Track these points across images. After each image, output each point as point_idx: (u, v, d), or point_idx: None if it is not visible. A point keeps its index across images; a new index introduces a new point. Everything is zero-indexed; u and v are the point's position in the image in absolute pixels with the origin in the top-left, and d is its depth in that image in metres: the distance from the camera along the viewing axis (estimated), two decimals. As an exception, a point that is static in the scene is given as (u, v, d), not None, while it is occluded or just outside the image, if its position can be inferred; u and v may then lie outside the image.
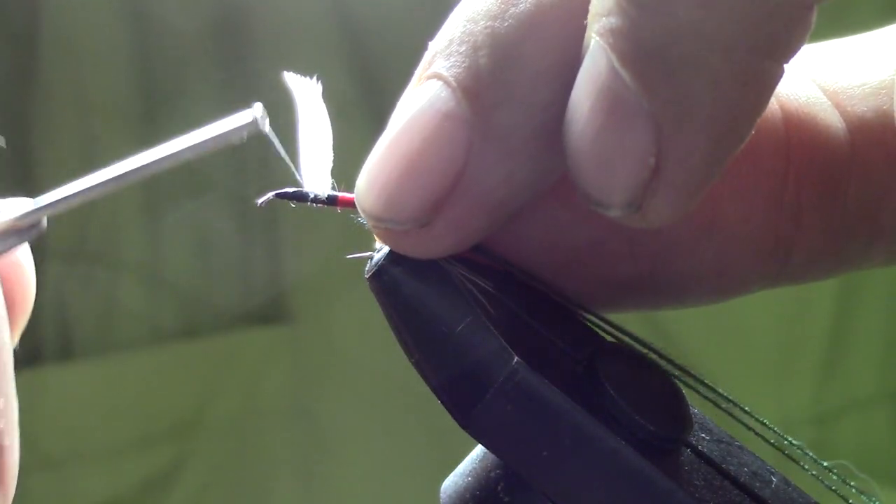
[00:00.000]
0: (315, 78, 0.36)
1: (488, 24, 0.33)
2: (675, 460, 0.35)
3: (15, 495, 0.37)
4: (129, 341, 1.02)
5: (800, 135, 0.38)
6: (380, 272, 0.35)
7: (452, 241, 0.34)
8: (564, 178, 0.34)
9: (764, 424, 0.37)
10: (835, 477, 0.38)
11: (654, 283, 0.38)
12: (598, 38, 0.31)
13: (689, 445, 0.35)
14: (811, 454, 0.37)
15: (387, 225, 0.34)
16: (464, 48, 0.33)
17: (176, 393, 1.03)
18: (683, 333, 1.11)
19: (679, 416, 0.35)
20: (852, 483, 0.38)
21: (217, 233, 1.02)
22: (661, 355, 0.36)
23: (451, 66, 0.33)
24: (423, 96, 0.34)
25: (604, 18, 0.31)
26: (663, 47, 0.30)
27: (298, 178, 0.36)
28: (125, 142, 0.95)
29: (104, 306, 1.01)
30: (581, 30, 0.32)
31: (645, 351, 0.36)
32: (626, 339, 0.36)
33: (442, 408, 0.34)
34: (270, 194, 0.37)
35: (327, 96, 0.36)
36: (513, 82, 0.33)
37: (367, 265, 0.35)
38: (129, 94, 0.99)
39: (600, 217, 0.33)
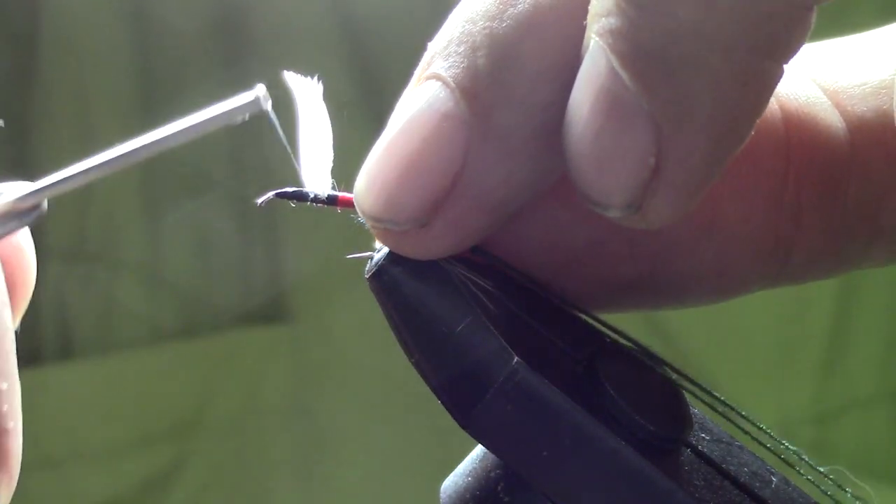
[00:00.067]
0: (316, 78, 0.36)
1: (487, 24, 0.33)
2: (675, 460, 0.35)
3: (14, 495, 0.37)
4: (128, 341, 1.02)
5: (800, 135, 0.38)
6: (380, 272, 0.35)
7: (452, 242, 0.34)
8: (564, 178, 0.34)
9: (761, 429, 0.37)
10: (831, 483, 0.37)
11: (654, 283, 0.38)
12: (597, 39, 0.31)
13: (689, 445, 0.35)
14: (807, 459, 0.37)
15: (386, 225, 0.34)
16: (462, 49, 0.33)
17: (176, 393, 1.03)
18: (683, 333, 1.11)
19: (679, 416, 0.35)
20: (848, 489, 0.38)
21: (217, 233, 1.02)
22: (659, 360, 0.36)
23: (450, 67, 0.33)
24: (422, 97, 0.34)
25: (603, 19, 0.31)
26: (663, 48, 0.30)
27: (297, 164, 0.36)
28: (125, 141, 0.95)
29: (104, 306, 1.01)
30: (580, 30, 0.32)
31: (640, 355, 0.36)
32: (623, 341, 0.36)
33: (442, 408, 0.34)
34: (270, 194, 0.37)
35: (327, 96, 0.36)
36: (511, 83, 0.33)
37: (367, 265, 0.35)
38: (128, 93, 0.99)
39: (600, 217, 0.33)
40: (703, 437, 0.36)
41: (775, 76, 0.31)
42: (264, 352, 1.05)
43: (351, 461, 1.08)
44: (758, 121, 0.32)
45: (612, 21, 0.31)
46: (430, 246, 0.34)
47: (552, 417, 0.33)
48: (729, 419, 0.37)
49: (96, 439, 1.01)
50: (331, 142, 0.36)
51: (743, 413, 0.37)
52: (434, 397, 0.34)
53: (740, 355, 1.14)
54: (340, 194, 0.37)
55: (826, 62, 0.40)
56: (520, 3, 0.33)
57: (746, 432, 0.37)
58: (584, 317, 0.37)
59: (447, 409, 0.34)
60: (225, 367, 1.04)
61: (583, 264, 0.37)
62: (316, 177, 0.37)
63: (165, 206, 1.01)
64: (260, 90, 0.34)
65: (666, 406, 0.35)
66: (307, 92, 0.36)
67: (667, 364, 0.36)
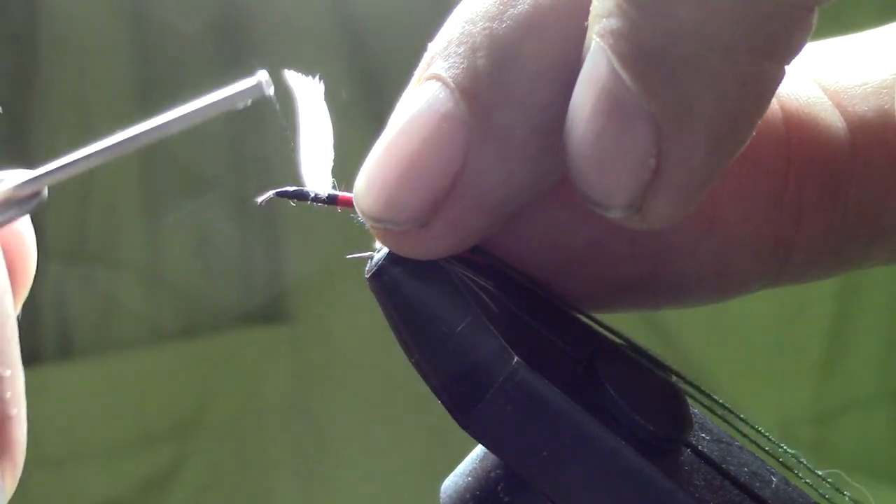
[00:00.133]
0: (318, 77, 0.36)
1: (487, 25, 0.33)
2: (675, 460, 0.35)
3: (14, 494, 0.37)
4: (128, 341, 1.02)
5: (800, 135, 0.38)
6: (380, 272, 0.35)
7: (451, 242, 0.34)
8: (564, 178, 0.34)
9: (759, 432, 0.37)
10: (829, 486, 0.37)
11: (654, 283, 0.38)
12: (598, 40, 0.31)
13: (689, 445, 0.35)
14: (805, 462, 0.37)
15: (385, 225, 0.34)
16: (462, 49, 0.33)
17: (176, 392, 1.03)
18: (683, 333, 1.11)
19: (679, 416, 0.35)
20: (846, 492, 0.38)
21: (217, 232, 1.02)
22: (659, 364, 0.36)
23: (450, 67, 0.33)
24: (422, 97, 0.34)
25: (604, 20, 0.31)
26: (663, 48, 0.30)
27: (298, 156, 0.36)
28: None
29: (104, 306, 1.01)
30: (579, 30, 0.32)
31: (640, 359, 0.36)
32: (621, 343, 0.36)
33: (442, 408, 0.34)
34: (270, 193, 0.37)
35: (327, 96, 0.36)
36: (511, 83, 0.33)
37: (367, 265, 0.35)
38: (128, 93, 0.99)
39: (600, 218, 0.33)
40: (703, 437, 0.36)
41: (776, 77, 0.31)
42: (264, 352, 1.05)
43: (351, 461, 1.08)
44: (759, 121, 0.32)
45: (613, 22, 0.31)
46: (430, 246, 0.34)
47: (552, 417, 0.33)
48: (727, 422, 0.37)
49: (96, 439, 1.01)
50: (331, 141, 0.36)
51: (741, 416, 0.37)
52: (434, 397, 0.34)
53: (740, 355, 1.14)
54: (341, 194, 0.37)
55: (827, 62, 0.40)
56: (519, 4, 0.33)
57: (745, 435, 0.37)
58: (583, 318, 0.37)
59: (447, 409, 0.34)
60: (225, 367, 1.04)
61: (583, 264, 0.37)
62: (316, 176, 0.37)
63: (165, 206, 1.01)
64: (262, 75, 0.34)
65: (666, 406, 0.35)
66: (307, 91, 0.36)
67: (666, 367, 0.36)
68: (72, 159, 0.35)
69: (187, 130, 0.35)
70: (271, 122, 0.98)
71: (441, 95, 0.33)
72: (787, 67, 0.31)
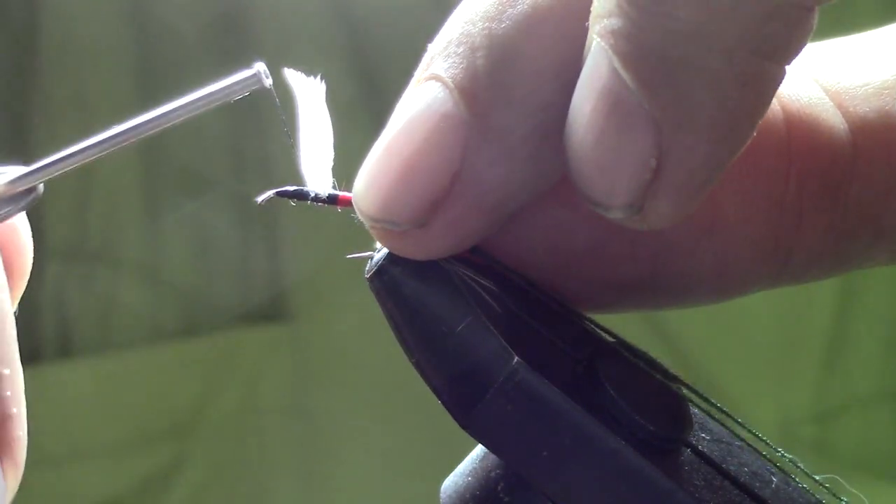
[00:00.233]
0: (319, 78, 0.36)
1: (486, 25, 0.33)
2: (675, 460, 0.35)
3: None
4: (128, 340, 1.02)
5: (801, 135, 0.38)
6: (380, 272, 0.35)
7: (451, 242, 0.34)
8: (564, 178, 0.34)
9: (757, 436, 0.37)
10: (826, 490, 0.37)
11: (654, 283, 0.38)
12: (599, 40, 0.31)
13: (689, 445, 0.35)
14: (802, 467, 0.37)
15: (384, 225, 0.34)
16: (461, 49, 0.33)
17: (176, 392, 1.03)
18: (684, 333, 1.11)
19: (679, 416, 0.35)
20: (844, 498, 0.38)
21: (217, 232, 1.02)
22: (659, 367, 0.36)
23: (449, 67, 0.33)
24: (422, 97, 0.34)
25: (605, 20, 0.31)
26: (664, 49, 0.30)
27: (297, 152, 0.36)
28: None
29: (104, 305, 1.01)
30: (579, 30, 0.32)
31: (634, 359, 0.36)
32: (619, 347, 0.36)
33: (442, 408, 0.34)
34: (271, 192, 0.37)
35: (327, 96, 0.36)
36: (510, 83, 0.33)
37: (367, 265, 0.35)
38: (128, 93, 0.99)
39: (601, 218, 0.33)
40: (703, 437, 0.36)
41: (777, 78, 0.31)
42: (264, 352, 1.05)
43: (351, 461, 1.08)
44: (759, 122, 0.32)
45: (614, 22, 0.31)
46: (429, 246, 0.34)
47: (552, 417, 0.33)
48: (725, 426, 0.37)
49: (96, 438, 1.01)
50: (331, 141, 0.36)
51: (739, 420, 0.37)
52: (434, 397, 0.34)
53: (741, 355, 1.14)
54: (341, 193, 0.37)
55: (828, 62, 0.40)
56: (519, 4, 0.33)
57: (742, 439, 0.37)
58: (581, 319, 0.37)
59: (447, 409, 0.34)
60: (225, 366, 1.04)
61: (583, 265, 0.37)
62: (316, 176, 0.37)
63: (165, 205, 1.01)
64: (260, 66, 0.34)
65: (666, 406, 0.35)
66: (307, 90, 0.36)
67: (666, 372, 0.36)
68: (66, 154, 0.35)
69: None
70: (272, 122, 0.98)
71: (440, 95, 0.33)
72: (787, 68, 0.31)
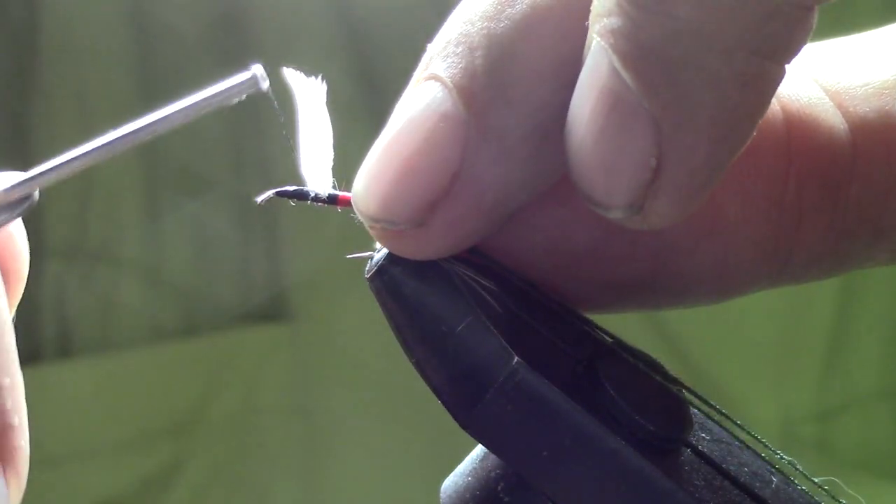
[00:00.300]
0: (320, 78, 0.36)
1: (484, 25, 0.33)
2: (675, 460, 0.35)
3: (14, 494, 0.37)
4: (128, 339, 1.02)
5: (801, 135, 0.38)
6: (380, 272, 0.35)
7: (450, 242, 0.34)
8: (564, 178, 0.34)
9: (756, 438, 0.37)
10: (825, 493, 0.37)
11: (655, 283, 0.38)
12: (599, 39, 0.31)
13: (689, 445, 0.35)
14: (801, 469, 0.37)
15: (383, 225, 0.34)
16: (460, 49, 0.33)
17: (176, 391, 1.03)
18: (684, 333, 1.11)
19: (679, 416, 0.35)
20: (843, 501, 0.38)
21: (217, 232, 1.02)
22: (656, 367, 0.36)
23: (448, 67, 0.33)
24: (420, 97, 0.34)
25: (605, 19, 0.31)
26: (663, 48, 0.30)
27: (296, 152, 0.36)
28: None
29: (104, 304, 1.01)
30: (578, 30, 0.32)
31: (633, 360, 0.36)
32: (618, 347, 0.36)
33: (442, 408, 0.34)
34: (271, 192, 0.37)
35: (328, 96, 0.36)
36: (509, 83, 0.33)
37: (367, 265, 0.35)
38: (128, 94, 0.99)
39: (601, 218, 0.33)
40: (703, 437, 0.36)
41: (776, 77, 0.31)
42: (264, 350, 1.05)
43: (351, 461, 1.08)
44: (759, 122, 0.32)
45: (614, 21, 0.31)
46: (429, 246, 0.34)
47: (552, 417, 0.33)
48: (724, 428, 0.37)
49: (96, 438, 1.01)
50: (331, 141, 0.36)
51: (738, 422, 0.37)
52: (434, 397, 0.34)
53: (742, 354, 1.14)
54: (341, 193, 0.36)
55: (828, 62, 0.40)
56: (517, 4, 0.33)
57: (741, 441, 0.37)
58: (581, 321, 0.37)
59: (447, 409, 0.34)
60: (225, 365, 1.04)
61: (583, 265, 0.37)
62: (316, 176, 0.37)
63: (166, 205, 1.01)
64: (257, 69, 0.34)
65: (666, 406, 0.35)
66: (307, 90, 0.36)
67: (664, 373, 0.36)
68: (62, 161, 0.35)
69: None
70: (271, 121, 0.98)
71: (439, 95, 0.33)
72: (787, 67, 0.31)
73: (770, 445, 0.37)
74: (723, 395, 1.12)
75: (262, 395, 1.05)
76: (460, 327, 0.33)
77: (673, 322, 1.10)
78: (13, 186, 0.35)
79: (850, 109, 0.39)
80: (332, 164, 0.37)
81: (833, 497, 0.37)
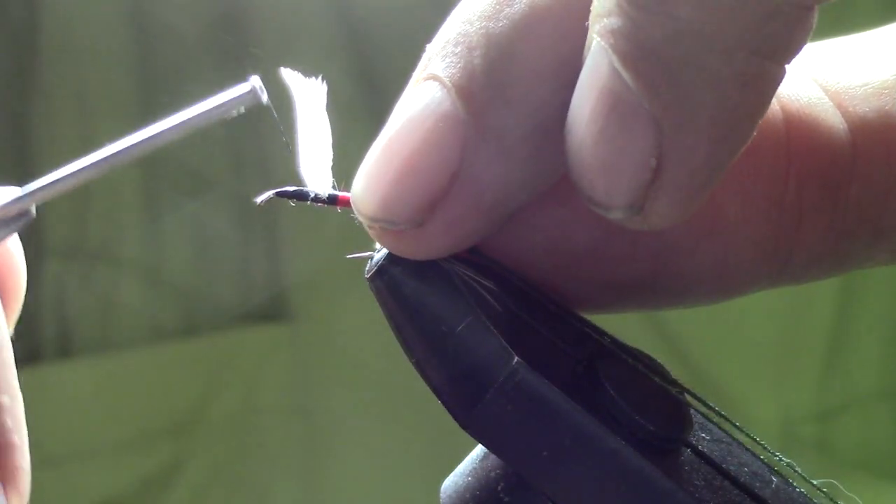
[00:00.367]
0: (320, 78, 0.36)
1: (483, 24, 0.33)
2: (675, 460, 0.35)
3: (14, 493, 0.37)
4: (128, 339, 1.02)
5: (801, 135, 0.38)
6: (380, 272, 0.35)
7: (449, 242, 0.34)
8: (564, 178, 0.34)
9: (754, 440, 0.37)
10: (824, 495, 0.37)
11: (655, 283, 0.38)
12: (599, 39, 0.31)
13: (689, 445, 0.35)
14: (800, 471, 0.37)
15: (382, 225, 0.34)
16: (459, 49, 0.33)
17: (176, 391, 1.03)
18: (685, 333, 1.11)
19: (679, 416, 0.35)
20: (841, 502, 0.38)
21: (217, 232, 1.02)
22: (654, 369, 0.36)
23: (447, 67, 0.33)
24: (419, 97, 0.34)
25: (605, 19, 0.31)
26: (664, 48, 0.30)
27: (296, 158, 0.36)
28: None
29: (104, 304, 1.01)
30: (577, 30, 0.32)
31: (632, 361, 0.36)
32: (617, 348, 0.36)
33: (442, 408, 0.34)
34: (270, 193, 0.37)
35: (328, 96, 0.36)
36: (508, 82, 0.33)
37: (367, 265, 0.35)
38: (128, 94, 0.99)
39: (601, 218, 0.33)
40: (703, 437, 0.36)
41: (777, 77, 0.31)
42: (264, 350, 1.05)
43: (351, 461, 1.08)
44: (759, 122, 0.32)
45: (614, 21, 0.31)
46: (429, 246, 0.34)
47: (552, 417, 0.33)
48: (723, 430, 0.37)
49: (96, 438, 1.01)
50: (331, 141, 0.36)
51: (737, 423, 0.37)
52: (434, 397, 0.34)
53: (742, 354, 1.14)
54: (341, 193, 0.36)
55: (828, 62, 0.40)
56: (516, 4, 0.33)
57: (740, 442, 0.37)
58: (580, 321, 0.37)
59: (447, 409, 0.34)
60: (225, 365, 1.04)
61: (583, 265, 0.37)
62: (316, 176, 0.37)
63: (166, 205, 1.01)
64: (255, 81, 0.34)
65: (666, 406, 0.35)
66: (306, 90, 0.36)
67: (664, 374, 0.36)
68: (60, 176, 0.35)
69: (180, 139, 0.35)
70: (271, 122, 0.98)
71: (438, 95, 0.33)
72: (787, 67, 0.31)
73: (769, 447, 0.37)
74: (723, 395, 1.12)
75: (262, 395, 1.05)
76: (460, 327, 0.33)
77: (673, 322, 1.10)
78: (10, 202, 0.35)
79: (850, 109, 0.39)
80: (331, 164, 0.37)
81: (832, 499, 0.37)
